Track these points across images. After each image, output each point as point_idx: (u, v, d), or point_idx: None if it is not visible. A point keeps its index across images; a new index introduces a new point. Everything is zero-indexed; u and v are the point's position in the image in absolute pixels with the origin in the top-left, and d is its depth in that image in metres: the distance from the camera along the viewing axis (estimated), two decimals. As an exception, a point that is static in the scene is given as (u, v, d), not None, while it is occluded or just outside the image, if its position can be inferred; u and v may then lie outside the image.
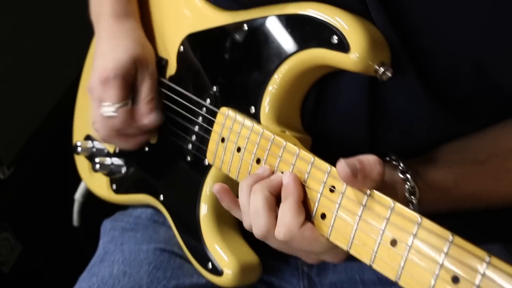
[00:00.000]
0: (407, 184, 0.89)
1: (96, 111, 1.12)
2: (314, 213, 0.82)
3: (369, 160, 0.77)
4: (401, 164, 0.90)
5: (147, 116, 1.11)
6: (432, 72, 0.91)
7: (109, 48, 1.11)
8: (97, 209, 1.29)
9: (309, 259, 0.90)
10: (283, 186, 0.84)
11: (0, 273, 1.51)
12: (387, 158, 0.92)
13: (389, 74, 0.84)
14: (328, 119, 0.98)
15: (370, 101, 0.94)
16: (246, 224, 0.88)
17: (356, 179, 0.75)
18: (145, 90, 1.11)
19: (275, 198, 0.85)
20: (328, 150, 0.89)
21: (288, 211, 0.82)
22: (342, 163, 0.76)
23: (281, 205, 0.83)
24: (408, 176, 0.89)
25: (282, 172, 0.86)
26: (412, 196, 0.89)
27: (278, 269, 1.10)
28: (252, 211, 0.86)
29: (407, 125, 0.96)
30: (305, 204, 0.83)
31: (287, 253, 0.88)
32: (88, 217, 1.41)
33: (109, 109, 1.09)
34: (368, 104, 0.94)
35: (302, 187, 0.83)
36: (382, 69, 0.84)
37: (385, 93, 0.93)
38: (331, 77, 0.94)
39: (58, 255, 1.40)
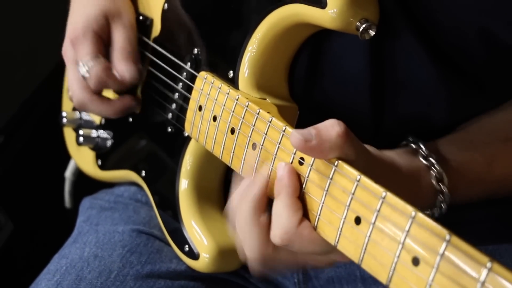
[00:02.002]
0: (433, 171, 0.89)
1: (70, 74, 1.16)
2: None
3: (326, 123, 0.78)
4: (422, 147, 0.90)
5: (120, 65, 1.12)
6: (436, 37, 0.92)
7: (79, 6, 1.16)
8: (92, 187, 1.33)
9: (320, 263, 0.87)
10: (277, 179, 0.82)
11: (-12, 254, 1.58)
12: (404, 142, 0.93)
13: (371, 32, 0.85)
14: (325, 87, 1.00)
15: (375, 65, 0.95)
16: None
17: (311, 144, 0.76)
18: (117, 41, 1.14)
19: (260, 207, 0.84)
20: None
21: (282, 208, 0.80)
22: (294, 131, 0.78)
23: (275, 202, 0.82)
24: (433, 160, 0.89)
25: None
26: (440, 184, 0.89)
27: None
28: (241, 238, 0.85)
29: (418, 94, 0.96)
30: None
31: (296, 267, 0.86)
32: (83, 196, 1.44)
33: (83, 66, 1.12)
34: (372, 67, 0.95)
35: (299, 180, 0.81)
36: (363, 26, 0.85)
37: (393, 56, 0.95)
38: (327, 37, 0.96)
39: (53, 236, 1.45)
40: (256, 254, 0.85)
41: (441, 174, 0.89)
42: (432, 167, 0.89)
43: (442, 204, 0.89)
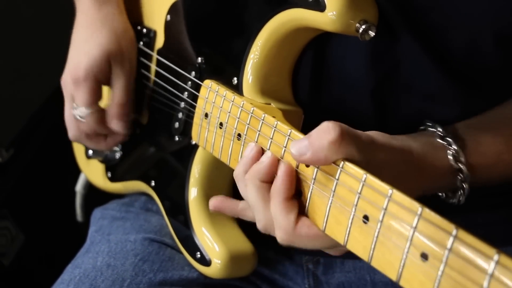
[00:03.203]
0: (450, 150, 0.88)
1: (67, 107, 1.19)
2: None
3: (319, 130, 0.79)
4: (439, 129, 0.90)
5: (113, 122, 1.18)
6: (440, 40, 0.92)
7: (84, 39, 1.18)
8: (102, 199, 1.33)
9: (330, 253, 0.88)
10: (274, 179, 0.84)
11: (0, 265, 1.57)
12: (422, 127, 0.93)
13: (371, 33, 0.86)
14: (329, 89, 1.00)
15: (377, 68, 0.95)
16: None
17: (305, 157, 0.78)
18: (117, 92, 1.18)
19: (271, 185, 0.86)
20: None
21: (276, 210, 0.83)
22: (291, 145, 0.80)
23: (270, 204, 0.85)
24: (449, 139, 0.89)
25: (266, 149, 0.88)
26: (458, 163, 0.88)
27: (281, 265, 1.13)
28: (251, 205, 0.89)
29: (422, 96, 0.97)
30: None
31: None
32: (92, 208, 1.45)
33: (78, 113, 1.17)
34: (374, 70, 0.95)
35: (293, 180, 0.83)
36: (363, 27, 0.85)
37: (394, 59, 0.95)
38: (329, 40, 0.96)
39: (64, 248, 1.46)
40: (261, 221, 0.88)
41: (458, 152, 0.88)
42: (449, 146, 0.88)
43: (463, 184, 0.89)
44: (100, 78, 1.16)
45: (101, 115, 1.18)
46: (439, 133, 0.90)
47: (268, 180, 0.86)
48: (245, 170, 0.89)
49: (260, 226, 0.89)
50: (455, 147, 0.88)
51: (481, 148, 0.91)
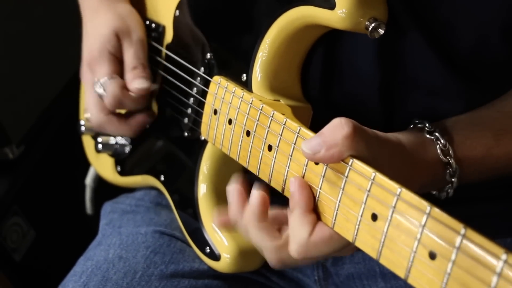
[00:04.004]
0: (438, 144, 0.89)
1: (88, 96, 1.18)
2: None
3: (331, 127, 0.79)
4: (427, 124, 0.91)
5: (134, 83, 1.14)
6: (446, 36, 0.93)
7: (92, 27, 1.19)
8: (112, 193, 1.34)
9: (341, 254, 0.88)
10: (290, 194, 0.84)
11: (11, 261, 1.58)
12: (411, 126, 0.94)
13: (381, 31, 0.86)
14: (339, 86, 1.00)
15: (385, 63, 0.95)
16: None
17: (319, 155, 0.78)
18: (128, 58, 1.16)
19: (270, 224, 0.87)
20: None
21: (296, 223, 0.83)
22: (303, 144, 0.80)
23: (290, 216, 0.85)
24: (437, 134, 0.89)
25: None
26: (447, 157, 0.89)
27: None
28: (259, 246, 0.89)
29: (428, 92, 0.97)
30: None
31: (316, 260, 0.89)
32: (102, 202, 1.45)
33: (101, 84, 1.14)
34: (382, 66, 0.96)
35: (311, 192, 0.83)
36: (373, 25, 0.85)
37: (402, 55, 0.95)
38: (339, 37, 0.96)
39: (74, 243, 1.47)
40: (272, 256, 0.88)
41: (446, 146, 0.89)
42: (437, 141, 0.89)
43: (452, 179, 0.89)
44: (113, 52, 1.15)
45: (122, 83, 1.14)
46: (427, 128, 0.90)
47: (266, 218, 0.86)
48: (239, 214, 0.88)
49: (273, 259, 0.88)
50: (443, 141, 0.89)
51: (469, 141, 0.91)
